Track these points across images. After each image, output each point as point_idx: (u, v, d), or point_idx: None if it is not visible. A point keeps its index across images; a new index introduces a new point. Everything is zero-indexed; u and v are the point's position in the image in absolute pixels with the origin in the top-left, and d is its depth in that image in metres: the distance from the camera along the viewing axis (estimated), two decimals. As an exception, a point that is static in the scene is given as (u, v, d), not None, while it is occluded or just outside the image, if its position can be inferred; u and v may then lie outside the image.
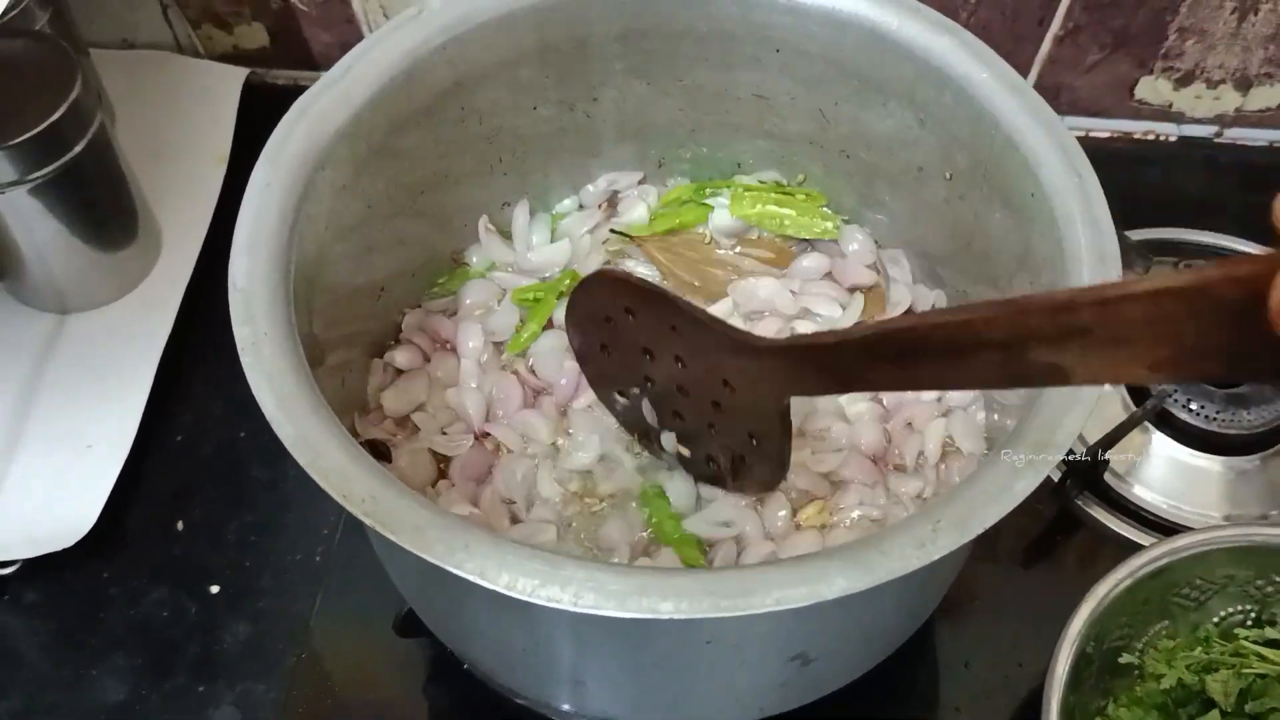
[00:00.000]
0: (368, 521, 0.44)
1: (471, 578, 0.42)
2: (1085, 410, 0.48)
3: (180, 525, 0.71)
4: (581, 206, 0.73)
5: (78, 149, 0.70)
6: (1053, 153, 0.55)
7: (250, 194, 0.53)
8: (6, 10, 0.72)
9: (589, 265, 0.70)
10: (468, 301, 0.68)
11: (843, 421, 0.65)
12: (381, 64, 0.58)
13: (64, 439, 0.71)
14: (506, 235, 0.71)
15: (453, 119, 0.63)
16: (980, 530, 0.44)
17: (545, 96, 0.66)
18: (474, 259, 0.70)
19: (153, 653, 0.66)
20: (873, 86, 0.62)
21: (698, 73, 0.66)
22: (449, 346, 0.67)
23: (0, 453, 0.70)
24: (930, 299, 0.68)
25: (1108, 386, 0.71)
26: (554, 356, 0.66)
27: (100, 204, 0.75)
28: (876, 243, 0.71)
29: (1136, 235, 0.78)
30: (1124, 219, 0.76)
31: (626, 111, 0.68)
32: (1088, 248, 0.53)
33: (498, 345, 0.68)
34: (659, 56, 0.65)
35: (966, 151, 0.60)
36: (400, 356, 0.66)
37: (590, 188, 0.72)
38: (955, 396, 0.65)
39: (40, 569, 0.66)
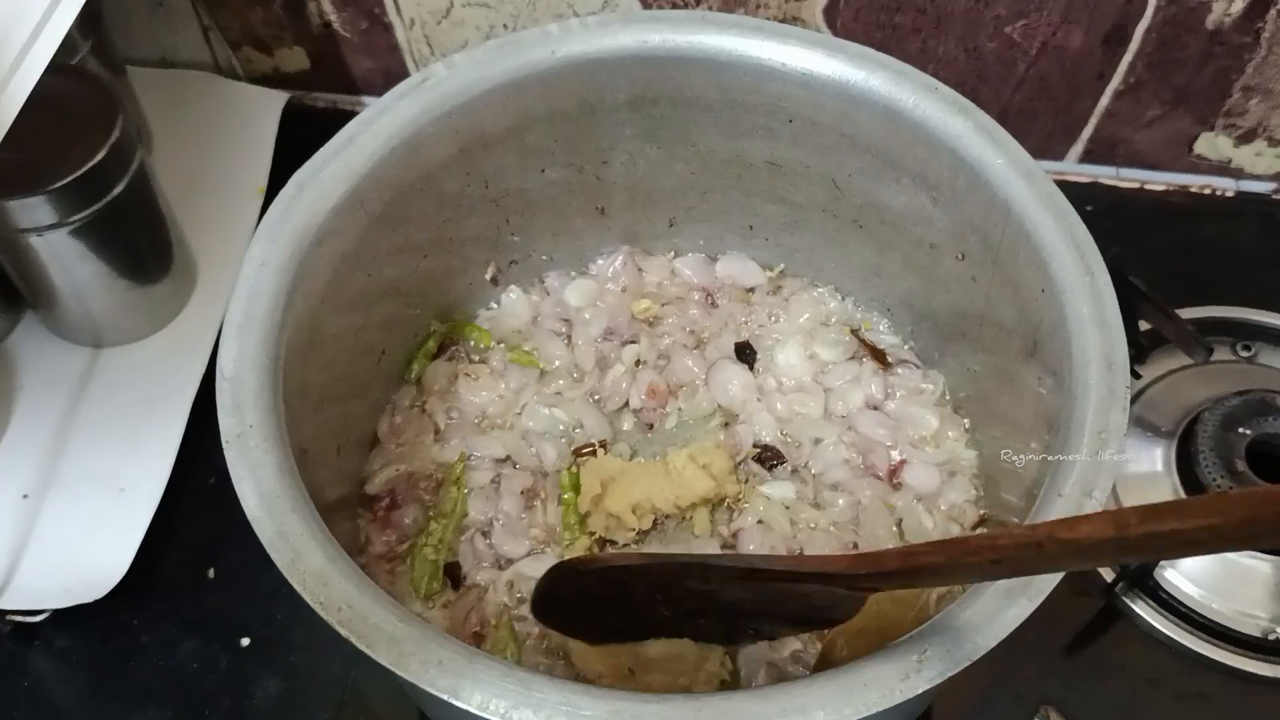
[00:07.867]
0: (342, 631, 0.44)
1: (444, 696, 0.42)
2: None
3: (212, 573, 0.69)
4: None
5: (118, 190, 0.68)
6: (1065, 247, 0.53)
7: (245, 273, 0.53)
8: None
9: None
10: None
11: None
12: (384, 135, 0.58)
13: (97, 481, 0.70)
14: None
15: (457, 185, 0.63)
16: (969, 662, 0.43)
17: (554, 160, 0.65)
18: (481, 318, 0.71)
19: (184, 706, 0.64)
20: (886, 162, 0.60)
21: (709, 139, 0.64)
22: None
23: (34, 494, 0.70)
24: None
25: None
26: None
27: (138, 241, 0.74)
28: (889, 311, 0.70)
29: (1193, 313, 0.74)
30: (1178, 277, 0.76)
31: (637, 175, 0.67)
32: (1096, 353, 0.50)
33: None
34: (670, 123, 0.64)
35: (979, 236, 0.58)
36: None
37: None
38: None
39: (71, 613, 0.65)
